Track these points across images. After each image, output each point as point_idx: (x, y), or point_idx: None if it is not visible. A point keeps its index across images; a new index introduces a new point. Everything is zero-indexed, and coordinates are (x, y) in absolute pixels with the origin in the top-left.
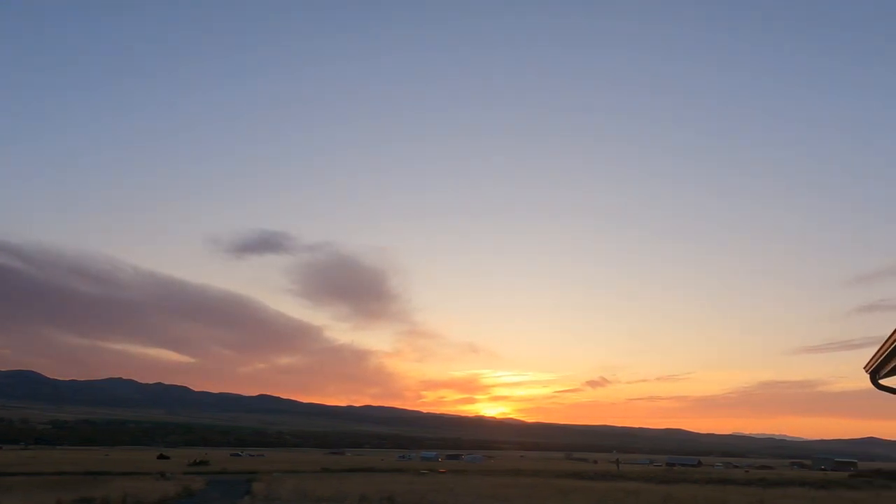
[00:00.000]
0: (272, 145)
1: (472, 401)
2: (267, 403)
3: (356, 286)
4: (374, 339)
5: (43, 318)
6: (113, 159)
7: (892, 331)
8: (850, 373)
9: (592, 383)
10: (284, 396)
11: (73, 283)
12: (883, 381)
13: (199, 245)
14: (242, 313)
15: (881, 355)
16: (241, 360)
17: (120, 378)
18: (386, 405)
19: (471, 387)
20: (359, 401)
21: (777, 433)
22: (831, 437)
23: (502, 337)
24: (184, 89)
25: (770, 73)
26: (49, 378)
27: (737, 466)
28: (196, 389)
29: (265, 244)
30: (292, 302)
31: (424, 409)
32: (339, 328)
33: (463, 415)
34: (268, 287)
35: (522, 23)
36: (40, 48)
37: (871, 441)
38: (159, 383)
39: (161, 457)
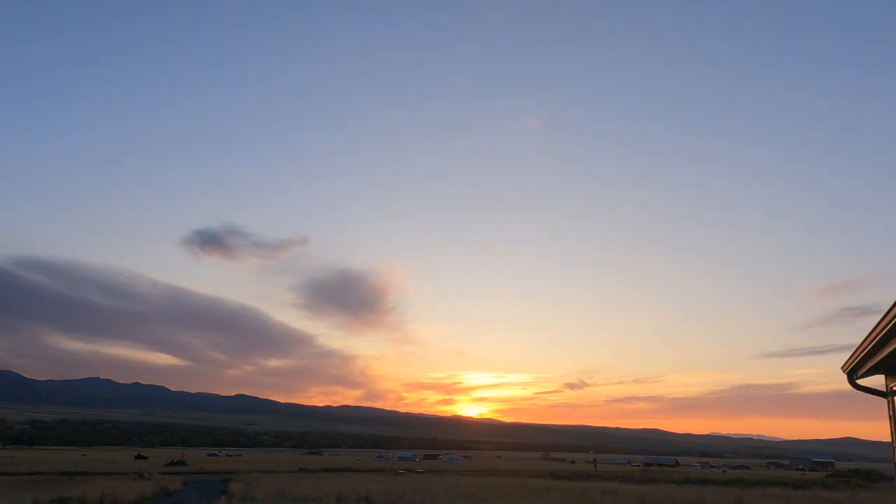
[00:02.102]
0: (291, 167)
1: (452, 402)
2: (244, 403)
3: (356, 300)
4: (363, 346)
5: (47, 326)
6: (137, 182)
7: (868, 332)
8: (818, 376)
9: (571, 385)
10: (262, 397)
11: (91, 295)
12: (860, 381)
13: (217, 261)
14: (246, 323)
15: (858, 355)
16: (231, 364)
17: (98, 378)
18: (364, 405)
19: (452, 389)
20: (338, 401)
21: (754, 433)
22: (808, 438)
23: (484, 341)
24: (195, 101)
25: (748, 81)
26: (26, 378)
27: (714, 466)
28: (174, 389)
29: (278, 263)
30: (294, 314)
31: (402, 410)
32: (332, 336)
33: (441, 415)
34: (275, 300)
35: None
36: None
37: (848, 441)
38: (136, 383)
39: (138, 457)
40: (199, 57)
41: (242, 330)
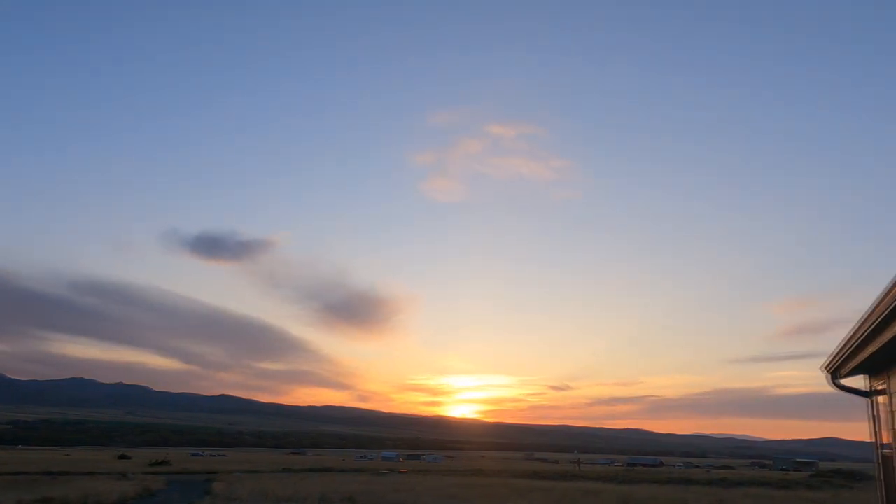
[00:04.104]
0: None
1: (436, 403)
2: (227, 403)
3: (353, 306)
4: (354, 349)
5: (39, 328)
6: (171, 204)
7: (850, 332)
8: (800, 378)
9: (555, 388)
10: (245, 397)
11: (116, 308)
12: (843, 382)
13: (240, 279)
14: (254, 332)
15: (842, 356)
16: (226, 366)
17: (81, 378)
18: (347, 406)
19: (437, 390)
20: (322, 402)
21: (738, 433)
22: (792, 438)
23: (470, 344)
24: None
25: (727, 94)
26: (9, 378)
27: (697, 466)
28: (157, 389)
29: (286, 273)
30: (298, 322)
31: (386, 410)
32: (325, 340)
33: (424, 415)
34: (285, 313)
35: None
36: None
37: (831, 441)
38: (120, 383)
39: (121, 457)
40: (203, 62)
41: (248, 338)
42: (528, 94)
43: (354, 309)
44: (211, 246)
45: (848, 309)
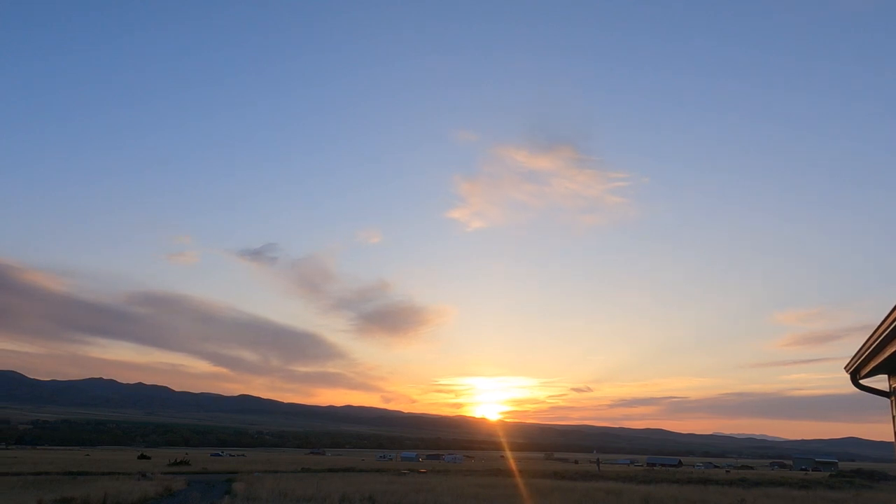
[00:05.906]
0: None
1: (457, 405)
2: (248, 404)
3: (392, 320)
4: (387, 355)
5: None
6: (221, 218)
7: (870, 333)
8: (821, 379)
9: (577, 389)
10: (265, 397)
11: (168, 318)
12: (864, 382)
13: (295, 298)
14: (289, 338)
15: (861, 356)
16: (257, 369)
17: (101, 378)
18: (366, 406)
19: (459, 391)
20: (341, 402)
21: (757, 433)
22: (812, 438)
23: (492, 344)
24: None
25: (725, 86)
26: (30, 378)
27: (717, 466)
28: (176, 389)
29: (335, 295)
30: (333, 329)
31: (406, 410)
32: (358, 347)
33: (444, 415)
34: (321, 321)
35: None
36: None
37: (851, 441)
38: (139, 384)
39: (142, 457)
40: (257, 81)
41: (277, 341)
42: (558, 123)
43: (387, 317)
44: (257, 258)
45: (852, 319)
